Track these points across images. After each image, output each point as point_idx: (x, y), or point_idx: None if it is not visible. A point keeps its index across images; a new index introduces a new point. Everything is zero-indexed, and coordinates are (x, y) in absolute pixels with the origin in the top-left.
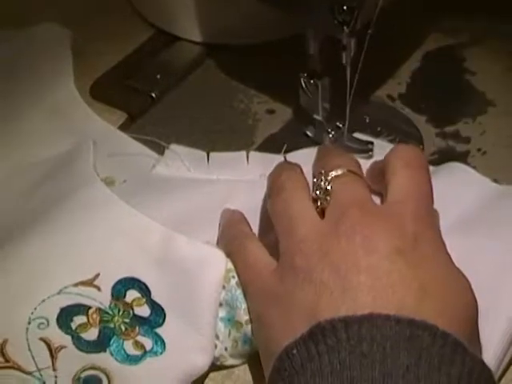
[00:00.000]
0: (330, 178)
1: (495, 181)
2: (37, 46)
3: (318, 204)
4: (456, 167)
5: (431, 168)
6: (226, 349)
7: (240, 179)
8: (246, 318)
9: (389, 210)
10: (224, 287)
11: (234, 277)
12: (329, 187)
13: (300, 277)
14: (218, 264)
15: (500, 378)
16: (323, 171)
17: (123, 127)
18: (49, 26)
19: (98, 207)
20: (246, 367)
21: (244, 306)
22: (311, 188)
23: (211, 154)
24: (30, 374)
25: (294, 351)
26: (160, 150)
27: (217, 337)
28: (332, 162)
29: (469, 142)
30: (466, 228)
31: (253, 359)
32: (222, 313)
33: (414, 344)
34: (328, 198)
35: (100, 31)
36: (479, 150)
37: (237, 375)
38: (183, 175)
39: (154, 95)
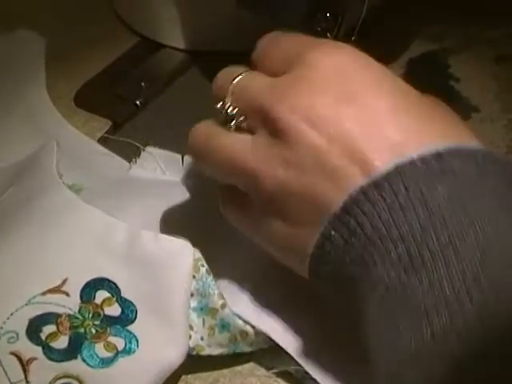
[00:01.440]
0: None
1: None
2: (11, 53)
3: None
4: None
5: None
6: (201, 338)
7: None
8: (221, 302)
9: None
10: (194, 277)
11: (203, 265)
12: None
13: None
14: (185, 254)
15: None
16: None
17: (107, 135)
18: (24, 33)
19: (61, 210)
20: (230, 375)
21: (217, 291)
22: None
23: (186, 157)
24: None
25: (333, 232)
26: (137, 154)
27: (190, 327)
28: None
29: None
30: None
31: (237, 365)
32: (194, 303)
33: (446, 174)
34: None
35: (84, 39)
36: None
37: (222, 383)
38: (155, 177)
39: (138, 103)
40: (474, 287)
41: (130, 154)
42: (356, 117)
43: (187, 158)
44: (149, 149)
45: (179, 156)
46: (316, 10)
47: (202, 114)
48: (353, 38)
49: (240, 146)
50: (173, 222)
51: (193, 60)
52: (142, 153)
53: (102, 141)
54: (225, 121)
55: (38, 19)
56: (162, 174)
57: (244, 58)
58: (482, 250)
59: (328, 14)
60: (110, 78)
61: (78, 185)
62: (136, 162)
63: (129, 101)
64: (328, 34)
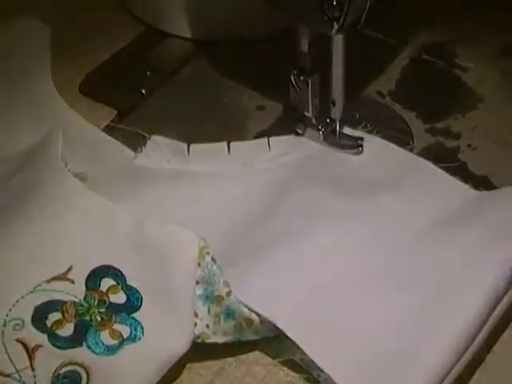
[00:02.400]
0: None
1: (485, 176)
2: (16, 41)
3: None
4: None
5: None
6: (207, 326)
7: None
8: (227, 289)
9: None
10: (199, 265)
11: (208, 253)
12: None
13: None
14: (190, 243)
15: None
16: None
17: (113, 123)
18: (29, 21)
19: (67, 198)
20: (236, 364)
21: (222, 279)
22: None
23: (192, 146)
24: (9, 376)
25: None
26: (142, 143)
27: (196, 315)
28: None
29: (459, 138)
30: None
31: (242, 354)
32: (199, 290)
33: None
34: None
35: (90, 28)
36: (469, 145)
37: (227, 372)
38: (160, 166)
39: (143, 91)
40: None
41: (136, 142)
42: None
43: (193, 147)
44: (154, 138)
45: (185, 145)
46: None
47: (206, 103)
48: (358, 26)
49: None
50: (178, 210)
51: (198, 49)
52: (148, 142)
53: (108, 130)
54: None
55: (43, 8)
56: (167, 163)
57: (247, 47)
58: None
59: (334, 3)
60: (115, 67)
61: (83, 173)
62: (142, 150)
63: (134, 90)
64: (334, 23)
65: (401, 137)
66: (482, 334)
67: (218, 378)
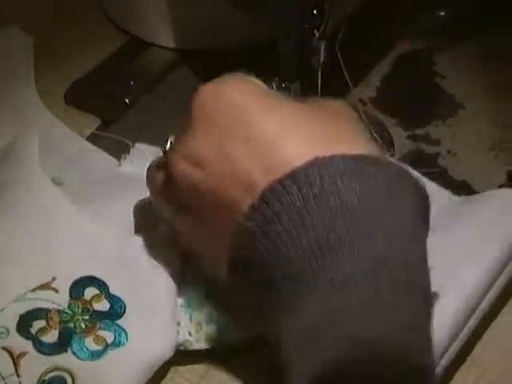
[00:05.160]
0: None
1: (465, 182)
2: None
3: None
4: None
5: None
6: (189, 333)
7: None
8: (207, 295)
9: None
10: (181, 276)
11: (188, 263)
12: None
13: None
14: (172, 254)
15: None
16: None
17: (97, 132)
18: (12, 30)
19: (51, 212)
20: (221, 366)
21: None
22: None
23: None
24: None
25: (249, 223)
26: (126, 150)
27: (178, 323)
28: None
29: (439, 144)
30: None
31: (226, 357)
32: (181, 300)
33: (362, 174)
34: None
35: (73, 38)
36: (449, 151)
37: (212, 375)
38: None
39: (127, 101)
40: (374, 274)
41: (119, 151)
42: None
43: None
44: (138, 145)
45: None
46: (303, 8)
47: (189, 112)
48: (339, 35)
49: (158, 182)
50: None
51: (181, 59)
52: (132, 149)
53: (91, 138)
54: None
55: (26, 18)
56: None
57: (230, 57)
58: (385, 246)
59: (315, 11)
60: (99, 77)
61: (59, 177)
62: (126, 158)
63: (118, 99)
64: (315, 31)
65: (381, 143)
66: (484, 305)
67: (204, 381)
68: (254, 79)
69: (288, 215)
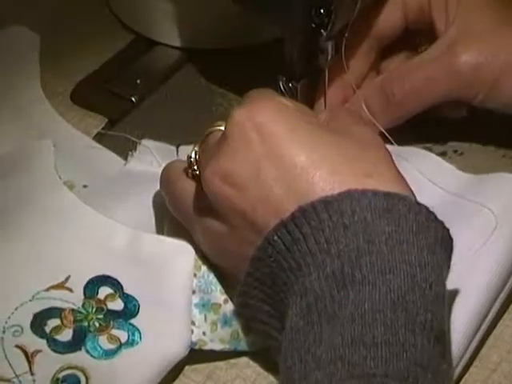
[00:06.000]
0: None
1: None
2: (4, 49)
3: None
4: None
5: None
6: (204, 333)
7: None
8: (224, 297)
9: None
10: (195, 275)
11: (204, 263)
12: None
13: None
14: (185, 254)
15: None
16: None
17: (104, 131)
18: (17, 29)
19: (63, 212)
20: (226, 367)
21: (219, 287)
22: None
23: (181, 148)
24: (8, 381)
25: (275, 238)
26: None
27: (192, 323)
28: None
29: (445, 144)
30: None
31: (233, 358)
32: (196, 299)
33: (392, 213)
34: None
35: (80, 37)
36: (455, 151)
37: (218, 375)
38: (151, 170)
39: (133, 100)
40: (389, 316)
41: (126, 150)
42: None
43: (182, 149)
44: (145, 142)
45: (173, 148)
46: (310, 7)
47: (195, 111)
48: (346, 34)
49: (187, 193)
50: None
51: (188, 58)
52: (138, 146)
53: (98, 137)
54: (188, 166)
55: (32, 17)
56: (158, 167)
57: (236, 56)
58: (407, 287)
59: (322, 11)
60: (105, 76)
61: (70, 181)
62: (132, 155)
63: (124, 98)
64: (322, 31)
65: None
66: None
67: (209, 381)
68: (282, 99)
69: (315, 239)
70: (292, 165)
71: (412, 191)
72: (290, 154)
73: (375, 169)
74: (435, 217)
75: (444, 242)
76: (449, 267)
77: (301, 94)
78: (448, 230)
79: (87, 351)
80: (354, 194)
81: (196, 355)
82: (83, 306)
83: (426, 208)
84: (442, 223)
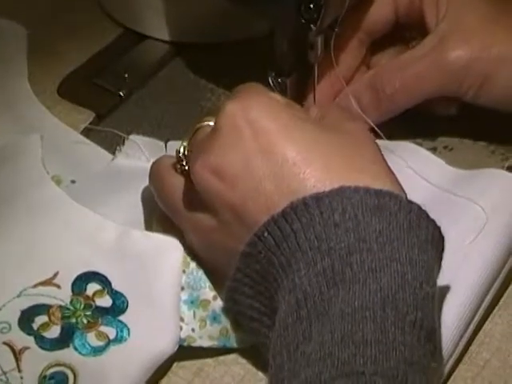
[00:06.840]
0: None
1: None
2: None
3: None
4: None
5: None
6: (193, 330)
7: None
8: (213, 294)
9: None
10: (184, 271)
11: (192, 260)
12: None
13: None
14: (175, 250)
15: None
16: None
17: (91, 126)
18: (4, 23)
19: (51, 208)
20: (215, 364)
21: (208, 284)
22: None
23: (169, 143)
24: None
25: (266, 234)
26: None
27: (181, 319)
28: None
29: (436, 139)
30: None
31: (221, 355)
32: (185, 296)
33: (383, 211)
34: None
35: (67, 30)
36: (446, 147)
37: (206, 372)
38: (139, 165)
39: (121, 94)
40: (378, 314)
41: (113, 145)
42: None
43: (170, 144)
44: (133, 137)
45: (162, 143)
46: (299, 1)
47: (184, 105)
48: (336, 29)
49: (176, 189)
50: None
51: (176, 52)
52: (126, 141)
53: (85, 132)
54: (176, 161)
55: (21, 10)
56: (146, 162)
57: (225, 50)
58: (397, 286)
59: (311, 5)
60: (93, 69)
61: (58, 176)
62: (120, 150)
63: (112, 92)
64: (311, 25)
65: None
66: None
67: (197, 378)
68: (272, 94)
69: (306, 236)
70: (284, 161)
71: (403, 189)
72: (282, 150)
73: (366, 166)
74: (427, 215)
75: (435, 241)
76: (440, 266)
77: (290, 89)
78: (439, 229)
79: (75, 348)
80: (346, 191)
81: (184, 352)
82: (71, 302)
83: (418, 206)
84: (433, 221)
